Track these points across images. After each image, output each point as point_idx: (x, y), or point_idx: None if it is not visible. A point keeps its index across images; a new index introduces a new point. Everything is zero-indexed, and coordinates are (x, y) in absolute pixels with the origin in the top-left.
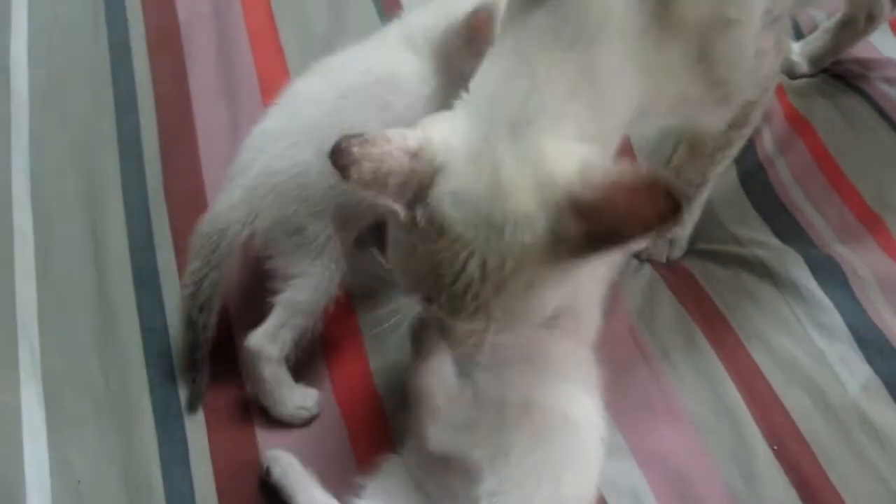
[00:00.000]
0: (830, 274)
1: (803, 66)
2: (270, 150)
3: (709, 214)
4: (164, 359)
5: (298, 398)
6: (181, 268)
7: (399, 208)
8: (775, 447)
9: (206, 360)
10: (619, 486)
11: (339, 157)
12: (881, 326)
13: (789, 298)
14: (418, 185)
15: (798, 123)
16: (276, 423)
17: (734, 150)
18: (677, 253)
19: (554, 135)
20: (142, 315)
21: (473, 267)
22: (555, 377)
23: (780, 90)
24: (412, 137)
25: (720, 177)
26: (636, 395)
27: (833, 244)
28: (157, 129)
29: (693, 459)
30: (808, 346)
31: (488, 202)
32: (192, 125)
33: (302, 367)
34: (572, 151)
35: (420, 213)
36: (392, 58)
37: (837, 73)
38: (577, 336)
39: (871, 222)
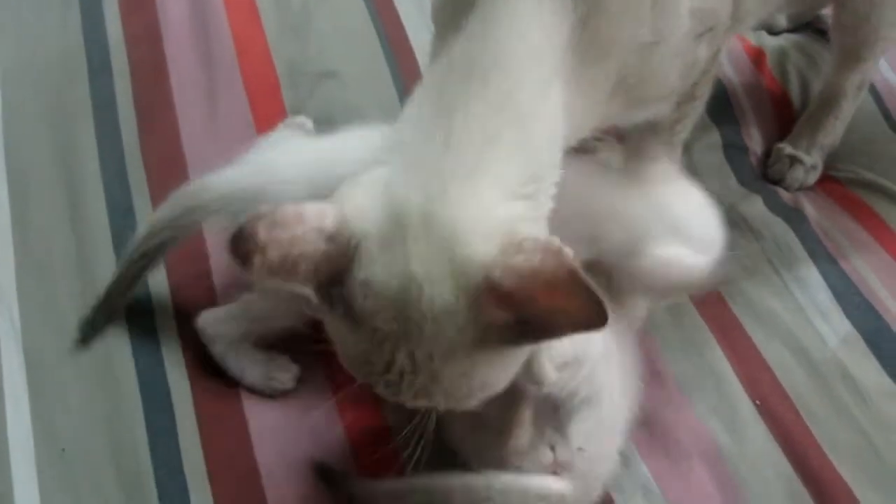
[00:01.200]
0: (807, 230)
1: (782, 22)
2: (277, 175)
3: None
4: (147, 322)
5: (266, 370)
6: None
7: (309, 293)
8: (758, 402)
9: (121, 302)
10: None
11: (242, 243)
12: (855, 280)
13: (770, 254)
14: (334, 269)
15: (778, 98)
16: None
17: (692, 119)
18: None
19: (472, 200)
20: None
21: (402, 359)
22: None
23: (762, 59)
24: (330, 216)
25: (704, 144)
26: None
27: (807, 208)
28: (132, 93)
29: (677, 416)
30: (788, 301)
31: (402, 296)
32: (167, 88)
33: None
34: (492, 224)
35: (336, 298)
36: None
37: (819, 28)
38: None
39: (838, 190)
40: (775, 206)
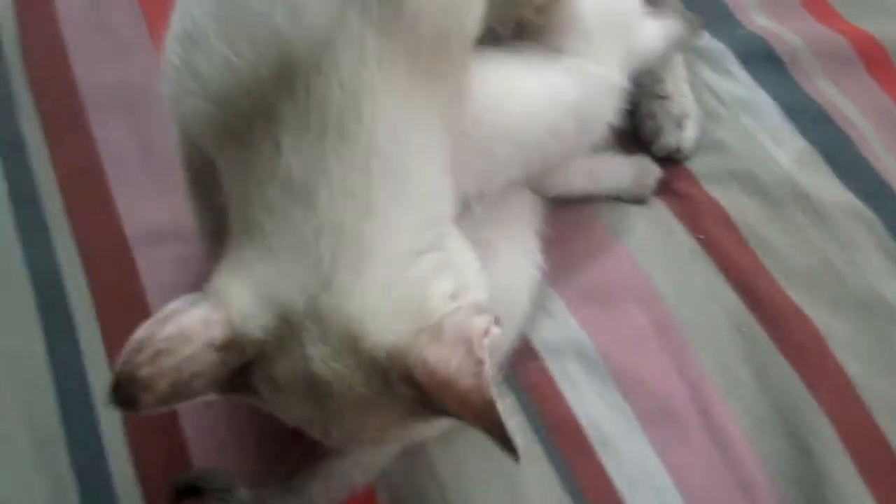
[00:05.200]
0: (755, 51)
1: None
2: None
3: None
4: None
5: None
6: (51, 142)
7: (213, 397)
8: (701, 237)
9: None
10: None
11: (125, 388)
12: (813, 95)
13: (709, 81)
14: (231, 371)
15: None
16: None
17: None
18: None
19: (362, 284)
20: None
21: (336, 433)
22: None
23: None
24: (216, 324)
25: None
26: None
27: (759, 19)
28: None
29: (607, 263)
30: (734, 128)
31: (313, 397)
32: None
33: None
34: (393, 302)
35: (241, 389)
36: None
37: None
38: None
39: None
40: (721, 28)
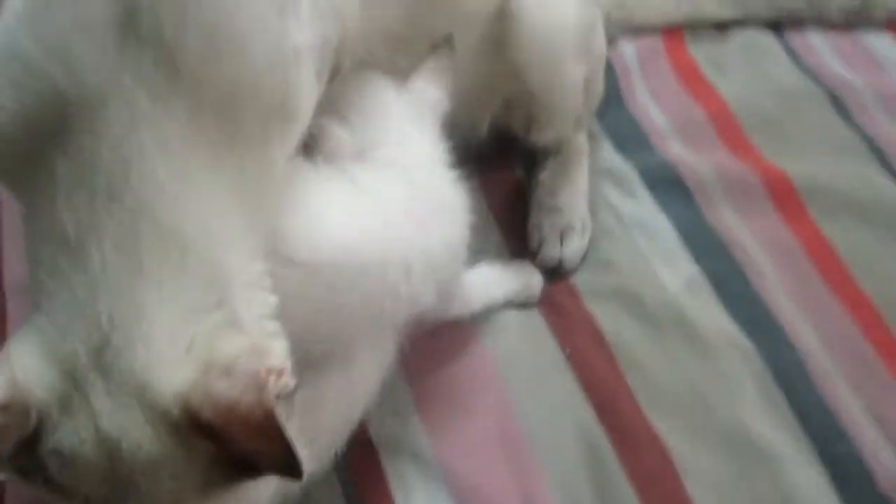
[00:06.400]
0: (663, 177)
1: None
2: None
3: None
4: None
5: None
6: None
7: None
8: (567, 350)
9: None
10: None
11: None
12: (714, 223)
13: (615, 204)
14: (16, 440)
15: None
16: None
17: None
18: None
19: (142, 334)
20: None
21: None
22: None
23: None
24: None
25: None
26: None
27: (674, 147)
28: None
29: (468, 367)
30: (627, 247)
31: (103, 462)
32: None
33: None
34: (177, 348)
35: (28, 469)
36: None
37: None
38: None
39: (720, 122)
40: (634, 151)
